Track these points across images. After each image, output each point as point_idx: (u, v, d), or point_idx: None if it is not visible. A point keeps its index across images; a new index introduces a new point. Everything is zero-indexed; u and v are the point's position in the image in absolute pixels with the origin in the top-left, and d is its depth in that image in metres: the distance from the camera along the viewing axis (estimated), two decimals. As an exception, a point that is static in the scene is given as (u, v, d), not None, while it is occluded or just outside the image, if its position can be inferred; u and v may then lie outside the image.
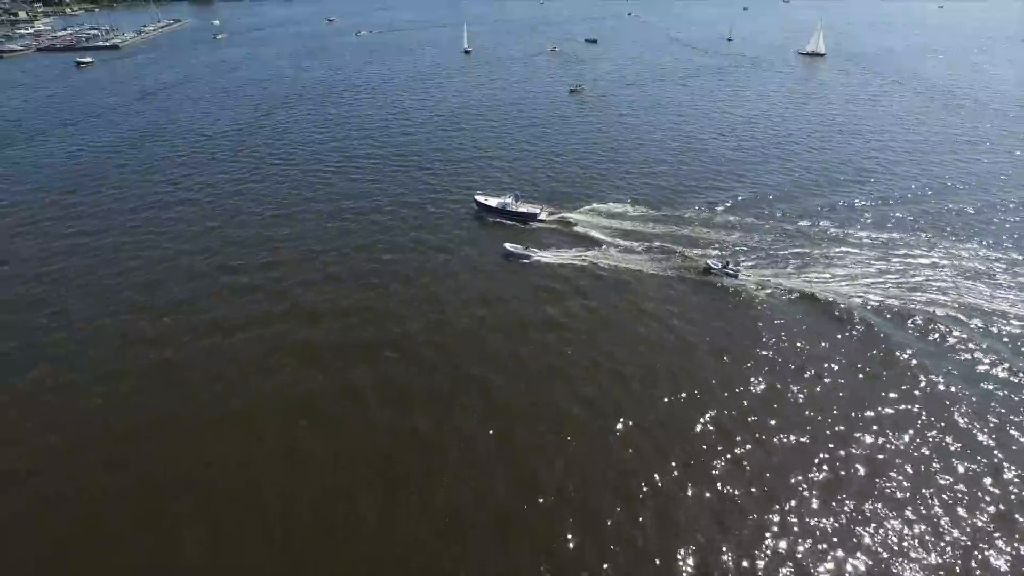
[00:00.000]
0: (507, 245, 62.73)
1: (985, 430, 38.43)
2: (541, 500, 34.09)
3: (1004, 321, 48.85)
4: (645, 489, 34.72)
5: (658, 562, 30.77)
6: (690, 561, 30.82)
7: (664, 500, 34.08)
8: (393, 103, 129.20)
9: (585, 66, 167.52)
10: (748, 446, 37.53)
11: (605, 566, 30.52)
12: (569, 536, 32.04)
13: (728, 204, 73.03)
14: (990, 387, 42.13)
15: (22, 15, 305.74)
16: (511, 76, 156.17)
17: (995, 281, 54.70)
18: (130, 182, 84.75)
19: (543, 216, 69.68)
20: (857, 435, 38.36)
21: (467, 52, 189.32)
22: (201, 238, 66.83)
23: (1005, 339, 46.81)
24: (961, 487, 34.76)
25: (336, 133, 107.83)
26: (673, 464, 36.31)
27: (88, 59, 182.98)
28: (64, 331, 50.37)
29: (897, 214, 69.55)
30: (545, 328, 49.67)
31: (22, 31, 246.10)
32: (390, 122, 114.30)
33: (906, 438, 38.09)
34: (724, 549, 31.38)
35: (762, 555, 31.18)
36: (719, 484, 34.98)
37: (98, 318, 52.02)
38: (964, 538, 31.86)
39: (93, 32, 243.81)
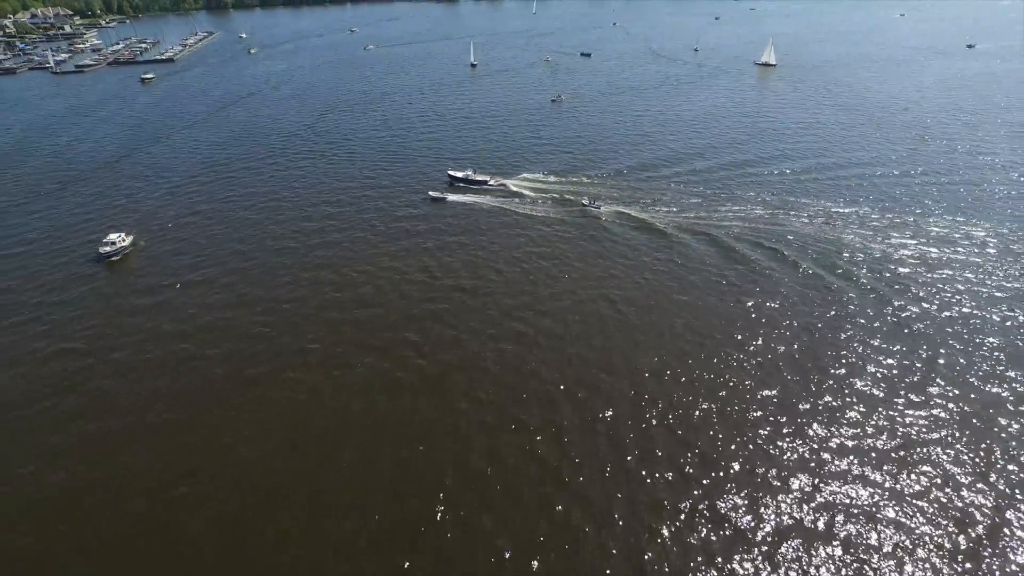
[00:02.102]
0: (431, 193, 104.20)
1: (752, 303, 74.35)
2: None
3: (776, 240, 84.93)
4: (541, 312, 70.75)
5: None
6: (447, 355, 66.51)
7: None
8: (418, 109, 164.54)
9: (572, 77, 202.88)
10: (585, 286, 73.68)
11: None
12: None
13: (621, 170, 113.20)
14: (771, 275, 78.01)
15: (67, 28, 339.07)
16: (508, 86, 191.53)
17: (780, 217, 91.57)
18: (248, 166, 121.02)
19: (491, 182, 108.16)
20: (649, 292, 74.33)
21: (473, 65, 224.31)
22: (312, 200, 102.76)
23: (773, 251, 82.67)
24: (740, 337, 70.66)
25: (378, 131, 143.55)
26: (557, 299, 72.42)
27: (150, 75, 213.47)
28: (249, 244, 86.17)
29: (733, 173, 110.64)
30: (475, 233, 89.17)
31: (81, 45, 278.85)
32: (416, 124, 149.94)
33: (707, 303, 74.02)
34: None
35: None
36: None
37: (271, 233, 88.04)
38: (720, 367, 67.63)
39: (143, 46, 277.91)
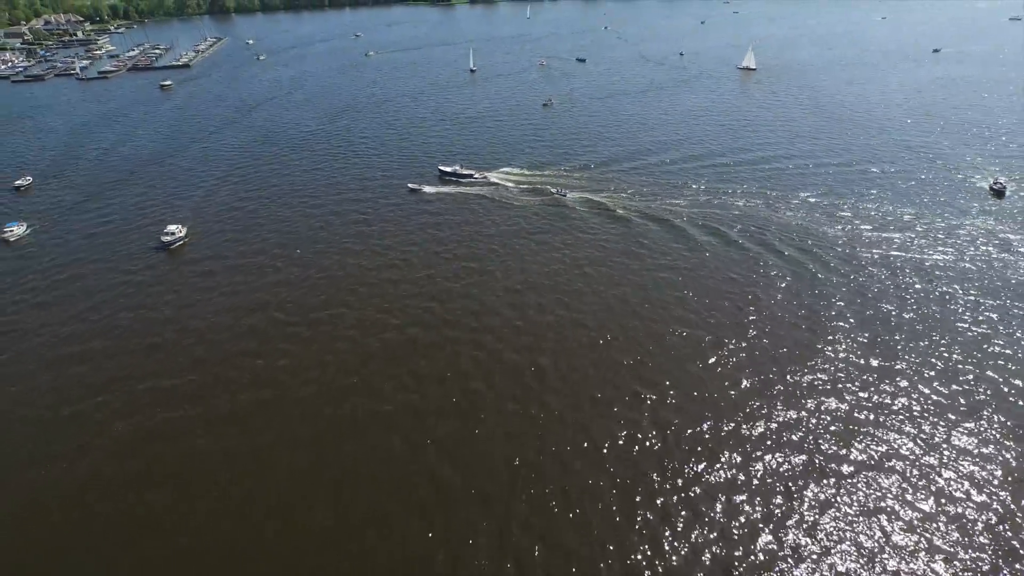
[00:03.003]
0: (409, 184, 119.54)
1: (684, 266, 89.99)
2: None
3: (720, 222, 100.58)
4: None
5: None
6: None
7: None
8: (423, 112, 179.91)
9: (565, 81, 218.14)
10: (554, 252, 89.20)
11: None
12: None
13: (593, 163, 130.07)
14: (707, 252, 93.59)
15: (79, 34, 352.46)
16: (504, 91, 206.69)
17: (730, 201, 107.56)
18: (275, 165, 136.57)
19: (477, 175, 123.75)
20: (599, 260, 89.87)
21: (472, 71, 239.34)
22: (334, 192, 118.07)
23: (715, 229, 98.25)
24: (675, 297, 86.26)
25: (387, 132, 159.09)
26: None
27: (168, 82, 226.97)
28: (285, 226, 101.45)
29: (693, 166, 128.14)
30: (463, 211, 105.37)
31: (98, 52, 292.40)
32: (422, 126, 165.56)
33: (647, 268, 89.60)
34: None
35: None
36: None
37: (305, 215, 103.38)
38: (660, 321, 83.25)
39: (157, 52, 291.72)
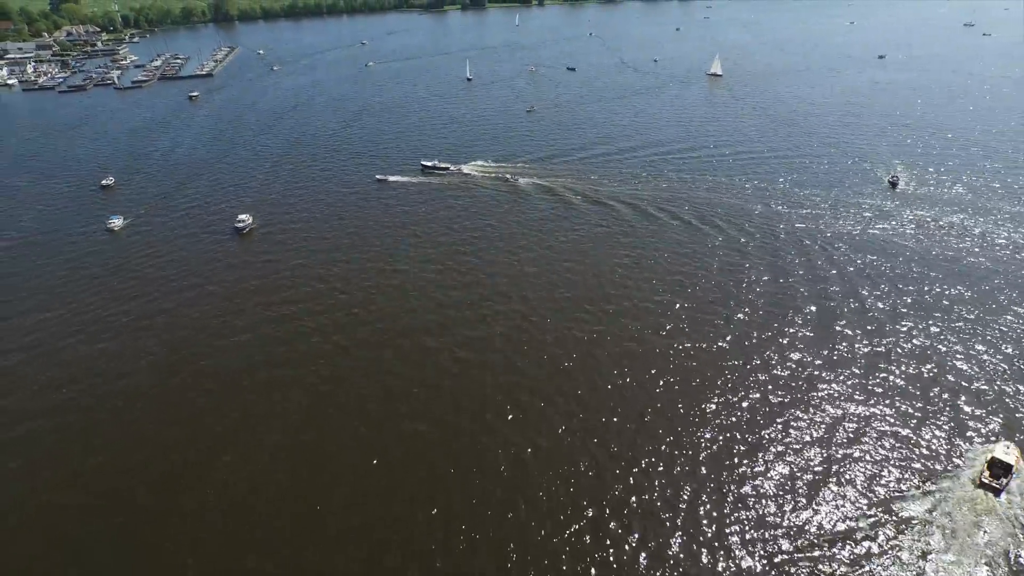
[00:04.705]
0: (377, 176, 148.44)
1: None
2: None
3: (648, 202, 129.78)
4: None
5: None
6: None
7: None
8: (425, 117, 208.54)
9: (551, 88, 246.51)
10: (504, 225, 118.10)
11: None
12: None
13: (550, 156, 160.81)
14: (636, 229, 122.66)
15: (99, 44, 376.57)
16: (496, 97, 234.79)
17: (660, 187, 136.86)
18: (311, 160, 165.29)
19: (452, 168, 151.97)
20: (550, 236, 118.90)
21: (469, 80, 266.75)
22: (360, 182, 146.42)
23: (636, 207, 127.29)
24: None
25: (396, 132, 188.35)
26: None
27: (195, 93, 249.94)
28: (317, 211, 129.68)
29: (633, 156, 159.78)
30: (444, 193, 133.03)
31: (123, 62, 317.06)
32: (426, 127, 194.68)
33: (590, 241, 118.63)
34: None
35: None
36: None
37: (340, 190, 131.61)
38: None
39: (178, 61, 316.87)
